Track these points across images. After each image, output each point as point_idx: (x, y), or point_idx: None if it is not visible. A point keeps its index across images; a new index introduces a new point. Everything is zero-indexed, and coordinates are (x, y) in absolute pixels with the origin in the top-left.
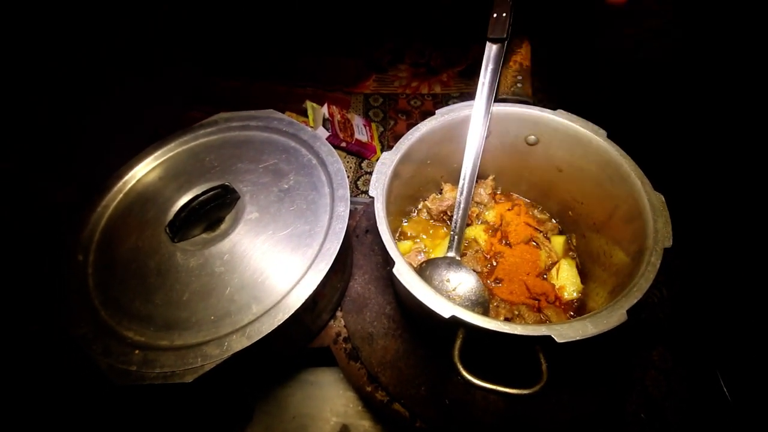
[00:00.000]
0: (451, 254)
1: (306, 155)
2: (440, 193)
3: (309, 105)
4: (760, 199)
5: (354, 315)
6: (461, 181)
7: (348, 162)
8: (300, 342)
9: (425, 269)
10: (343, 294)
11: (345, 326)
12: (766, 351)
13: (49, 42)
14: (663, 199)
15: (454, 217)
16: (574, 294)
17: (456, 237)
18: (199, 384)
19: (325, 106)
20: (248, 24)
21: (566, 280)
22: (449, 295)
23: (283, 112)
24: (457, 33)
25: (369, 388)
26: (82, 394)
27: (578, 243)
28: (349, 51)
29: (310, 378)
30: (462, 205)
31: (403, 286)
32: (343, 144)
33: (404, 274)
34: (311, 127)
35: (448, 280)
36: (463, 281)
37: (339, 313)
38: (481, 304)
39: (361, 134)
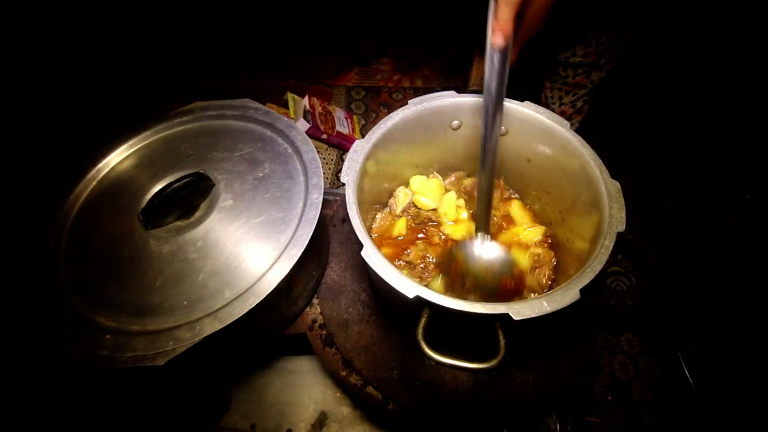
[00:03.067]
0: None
1: (282, 144)
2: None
3: (290, 97)
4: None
5: (330, 302)
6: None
7: (329, 154)
8: (276, 329)
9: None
10: (319, 281)
11: (321, 313)
12: (727, 339)
13: (45, 42)
14: (618, 186)
15: (478, 199)
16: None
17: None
18: (176, 370)
19: (306, 98)
20: (233, 18)
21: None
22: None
23: (264, 104)
24: (440, 28)
25: (344, 373)
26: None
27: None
28: (332, 44)
29: (288, 366)
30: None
31: (372, 269)
32: (324, 136)
33: (371, 256)
34: (292, 118)
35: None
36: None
37: (315, 300)
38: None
39: (343, 126)
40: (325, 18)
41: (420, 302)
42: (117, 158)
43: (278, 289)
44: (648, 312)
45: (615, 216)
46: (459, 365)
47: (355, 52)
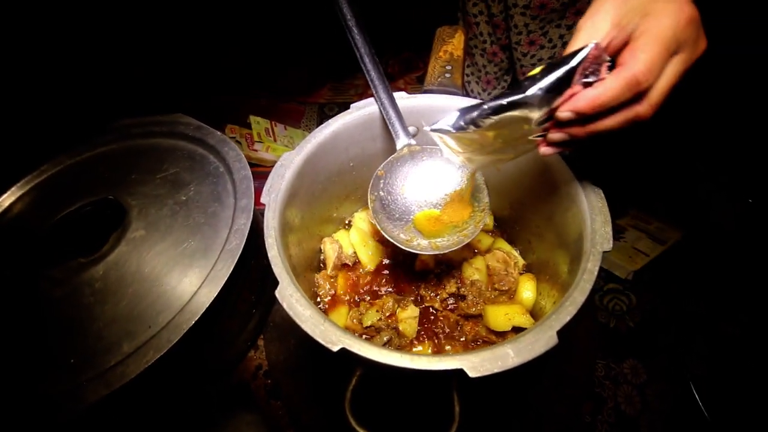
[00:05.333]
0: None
1: (213, 162)
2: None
3: (253, 119)
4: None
5: (277, 343)
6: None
7: None
8: (207, 380)
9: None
10: (263, 319)
11: (266, 357)
12: (743, 361)
13: None
14: (601, 194)
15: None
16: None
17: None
18: None
19: (269, 122)
20: (203, 38)
21: None
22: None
23: (226, 126)
24: (414, 39)
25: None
26: None
27: (526, 253)
28: (303, 61)
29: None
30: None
31: (288, 315)
32: None
33: (287, 298)
34: (257, 141)
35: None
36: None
37: (261, 342)
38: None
39: None
40: (298, 35)
41: (348, 358)
42: (8, 200)
43: (192, 337)
44: (652, 334)
45: (598, 231)
46: None
47: (328, 67)
